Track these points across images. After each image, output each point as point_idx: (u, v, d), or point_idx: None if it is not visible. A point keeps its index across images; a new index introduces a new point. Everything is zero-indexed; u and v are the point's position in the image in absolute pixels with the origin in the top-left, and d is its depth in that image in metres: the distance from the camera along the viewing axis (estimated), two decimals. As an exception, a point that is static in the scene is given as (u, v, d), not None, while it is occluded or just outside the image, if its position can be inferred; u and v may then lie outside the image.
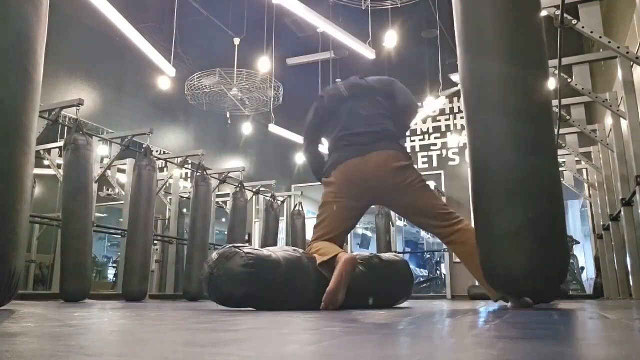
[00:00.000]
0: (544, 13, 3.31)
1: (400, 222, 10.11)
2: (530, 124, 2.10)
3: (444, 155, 9.97)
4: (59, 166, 5.46)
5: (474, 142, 2.21)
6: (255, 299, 2.28)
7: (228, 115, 8.02)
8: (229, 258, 2.21)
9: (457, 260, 9.68)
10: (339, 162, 2.64)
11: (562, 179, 7.09)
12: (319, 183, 2.83)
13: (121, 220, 5.60)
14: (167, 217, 7.22)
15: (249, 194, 7.13)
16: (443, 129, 10.09)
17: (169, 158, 6.55)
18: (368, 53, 6.45)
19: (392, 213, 9.69)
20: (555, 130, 5.24)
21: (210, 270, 2.22)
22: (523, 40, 2.17)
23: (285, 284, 2.30)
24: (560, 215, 2.07)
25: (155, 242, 6.44)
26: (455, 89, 8.20)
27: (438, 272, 11.61)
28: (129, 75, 7.90)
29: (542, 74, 2.20)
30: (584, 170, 7.04)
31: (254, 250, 2.28)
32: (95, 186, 4.94)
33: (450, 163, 9.81)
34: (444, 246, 8.93)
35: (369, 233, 13.99)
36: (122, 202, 5.76)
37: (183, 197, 7.24)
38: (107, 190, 6.90)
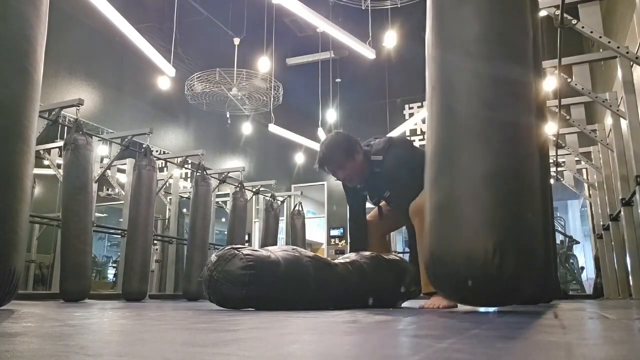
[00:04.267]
0: (544, 13, 3.31)
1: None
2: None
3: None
4: (59, 166, 5.46)
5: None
6: (255, 300, 2.28)
7: (228, 115, 8.02)
8: (228, 260, 2.21)
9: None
10: None
11: (562, 179, 7.12)
12: (319, 183, 3.00)
13: (121, 220, 5.60)
14: (167, 217, 7.23)
15: (249, 194, 7.13)
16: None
17: (169, 158, 6.55)
18: (368, 53, 6.46)
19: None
20: (556, 128, 5.24)
21: (210, 272, 2.22)
22: (509, 34, 1.80)
23: (286, 284, 2.30)
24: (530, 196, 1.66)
25: (155, 242, 6.44)
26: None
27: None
28: (129, 75, 7.90)
29: (528, 72, 1.80)
30: (584, 170, 7.04)
31: (253, 252, 2.28)
32: (95, 186, 4.94)
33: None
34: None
35: (369, 233, 13.96)
36: (122, 202, 5.76)
37: (183, 197, 7.24)
38: (107, 190, 6.90)
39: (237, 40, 7.51)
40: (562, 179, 7.16)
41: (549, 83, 4.42)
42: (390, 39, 6.64)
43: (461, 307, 2.52)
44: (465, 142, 1.70)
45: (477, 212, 1.62)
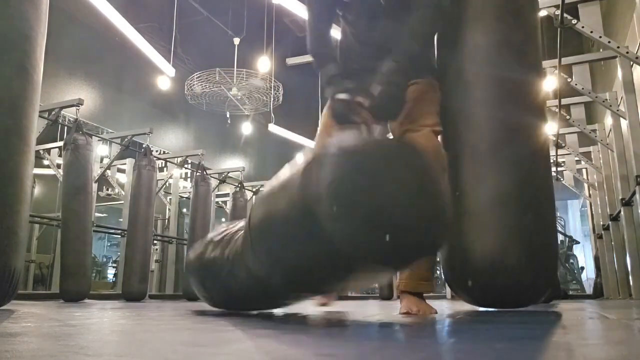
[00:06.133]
0: (544, 13, 3.31)
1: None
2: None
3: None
4: (59, 166, 5.46)
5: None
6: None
7: (228, 115, 8.02)
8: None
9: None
10: None
11: (562, 179, 7.12)
12: None
13: (121, 220, 5.60)
14: (167, 217, 7.23)
15: (249, 194, 7.13)
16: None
17: (169, 158, 6.55)
18: (368, 53, 6.45)
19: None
20: (557, 130, 5.24)
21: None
22: (511, 36, 1.85)
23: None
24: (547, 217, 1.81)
25: (155, 242, 6.44)
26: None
27: (438, 272, 11.61)
28: (129, 75, 7.90)
29: (534, 74, 1.89)
30: (584, 170, 7.03)
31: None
32: (95, 186, 4.94)
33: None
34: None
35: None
36: (122, 202, 5.76)
37: (183, 197, 7.24)
38: (107, 190, 6.90)
39: (237, 40, 7.51)
40: (562, 179, 7.15)
41: (549, 83, 4.43)
42: (390, 39, 6.64)
43: (460, 308, 2.52)
44: (493, 151, 1.80)
45: (506, 219, 1.74)
